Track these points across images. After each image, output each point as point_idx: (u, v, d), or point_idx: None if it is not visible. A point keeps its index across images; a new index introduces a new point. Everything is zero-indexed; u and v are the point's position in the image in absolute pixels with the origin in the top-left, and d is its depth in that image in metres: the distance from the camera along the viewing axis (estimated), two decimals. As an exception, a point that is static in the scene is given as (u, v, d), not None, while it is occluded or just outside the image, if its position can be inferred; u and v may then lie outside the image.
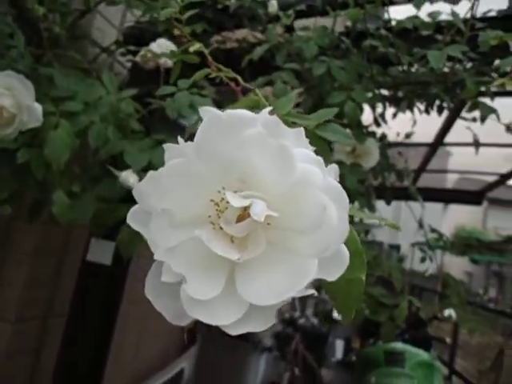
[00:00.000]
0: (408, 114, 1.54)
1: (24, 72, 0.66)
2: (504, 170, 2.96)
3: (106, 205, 0.66)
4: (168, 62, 1.06)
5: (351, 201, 1.17)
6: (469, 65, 1.18)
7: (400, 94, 1.36)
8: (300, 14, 1.27)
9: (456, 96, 1.06)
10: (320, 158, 0.27)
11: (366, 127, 1.22)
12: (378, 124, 1.30)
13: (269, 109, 0.28)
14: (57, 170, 0.57)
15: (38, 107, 0.60)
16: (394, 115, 1.53)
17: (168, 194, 0.26)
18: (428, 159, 2.79)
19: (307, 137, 0.38)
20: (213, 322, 0.24)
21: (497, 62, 1.21)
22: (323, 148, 0.38)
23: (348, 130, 1.03)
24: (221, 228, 0.26)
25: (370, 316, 0.96)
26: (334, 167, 0.28)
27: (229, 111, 0.27)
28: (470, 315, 1.13)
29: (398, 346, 2.54)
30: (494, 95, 1.01)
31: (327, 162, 0.29)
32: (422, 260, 1.69)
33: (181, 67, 0.72)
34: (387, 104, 1.40)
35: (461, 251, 5.08)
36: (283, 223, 0.26)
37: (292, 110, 0.39)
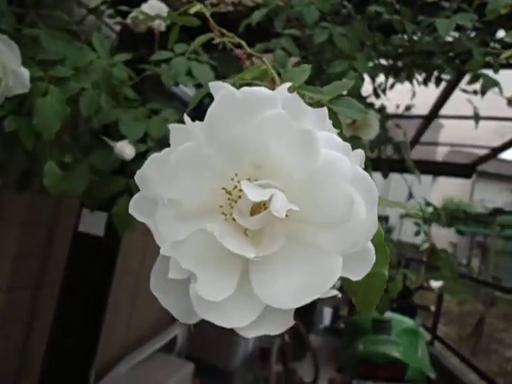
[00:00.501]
0: (405, 85, 1.50)
1: (7, 32, 0.61)
2: (494, 143, 2.97)
3: (100, 177, 0.63)
4: (162, 26, 1.00)
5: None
6: (472, 34, 1.14)
7: (400, 64, 1.33)
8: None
9: (458, 67, 1.03)
10: (347, 144, 0.24)
11: (365, 98, 1.19)
12: (377, 95, 1.27)
13: (288, 85, 0.25)
14: (47, 139, 0.53)
15: (25, 72, 0.55)
16: (392, 86, 1.50)
17: (176, 182, 0.23)
18: (422, 131, 2.78)
19: None
20: (226, 325, 0.22)
21: (500, 32, 1.18)
22: (337, 125, 0.36)
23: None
24: (233, 219, 0.24)
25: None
26: (360, 153, 0.25)
27: (244, 89, 0.23)
28: (460, 287, 1.15)
29: (385, 314, 2.64)
30: (500, 67, 0.98)
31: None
32: (417, 233, 1.70)
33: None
34: (387, 74, 1.37)
35: (448, 223, 5.18)
36: (304, 216, 0.23)
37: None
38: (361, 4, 1.08)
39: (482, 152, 3.27)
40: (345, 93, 1.05)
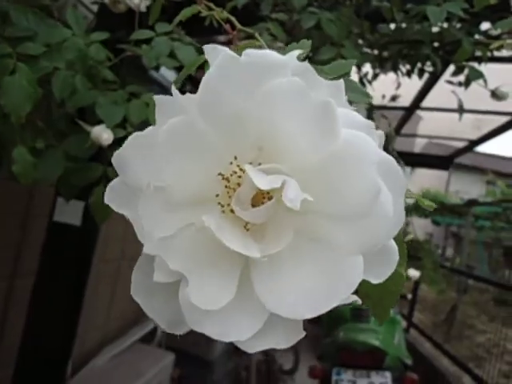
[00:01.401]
0: (388, 76, 1.49)
1: (-29, 5, 0.56)
2: (471, 136, 3.02)
3: (75, 164, 0.59)
4: (142, 5, 0.95)
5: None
6: (458, 25, 1.14)
7: (385, 54, 1.31)
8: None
9: (443, 57, 1.02)
10: (371, 122, 0.20)
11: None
12: (362, 85, 1.26)
13: (298, 52, 0.21)
14: (17, 122, 0.49)
15: (-10, 48, 0.50)
16: (375, 76, 1.49)
17: (163, 166, 0.19)
18: (403, 123, 2.80)
19: None
20: (224, 338, 0.19)
21: (484, 25, 1.18)
22: None
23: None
24: (231, 211, 0.20)
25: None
26: (380, 134, 0.22)
27: (250, 51, 0.19)
28: (439, 276, 1.17)
29: (364, 302, 2.68)
30: (482, 60, 0.98)
31: None
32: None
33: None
34: (372, 64, 1.35)
35: (425, 213, 5.29)
36: (317, 207, 0.19)
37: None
38: (349, -10, 1.05)
39: (459, 144, 3.33)
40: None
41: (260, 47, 0.35)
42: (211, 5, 0.46)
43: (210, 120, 0.20)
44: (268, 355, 2.91)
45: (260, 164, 0.20)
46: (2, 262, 1.40)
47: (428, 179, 7.70)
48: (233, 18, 0.43)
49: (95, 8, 1.42)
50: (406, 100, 2.47)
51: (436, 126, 3.33)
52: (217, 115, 0.20)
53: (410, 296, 3.57)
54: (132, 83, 0.74)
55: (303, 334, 0.20)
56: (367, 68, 1.44)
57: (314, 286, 0.19)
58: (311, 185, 0.19)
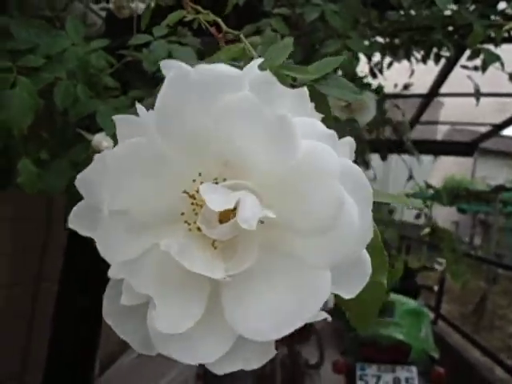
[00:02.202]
0: (403, 64, 1.45)
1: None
2: (495, 120, 2.92)
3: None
4: (139, 8, 0.95)
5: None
6: (472, 7, 1.09)
7: (397, 41, 1.27)
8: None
9: (457, 42, 0.98)
10: (333, 132, 0.20)
11: (362, 78, 1.14)
12: (374, 75, 1.22)
13: (260, 60, 0.21)
14: (19, 135, 0.50)
15: (-9, 64, 0.52)
16: (390, 65, 1.45)
17: (123, 187, 0.19)
18: (422, 111, 2.73)
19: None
20: (190, 361, 0.18)
21: (502, 4, 1.12)
22: (325, 109, 0.32)
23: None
24: (198, 229, 0.19)
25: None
26: (350, 142, 0.21)
27: (201, 67, 0.19)
28: (463, 267, 1.13)
29: (389, 296, 2.63)
30: (501, 41, 0.93)
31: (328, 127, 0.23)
32: (417, 217, 1.68)
33: (157, 13, 0.63)
34: (384, 53, 1.32)
35: (449, 201, 5.15)
36: (283, 221, 0.19)
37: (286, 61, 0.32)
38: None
39: (483, 129, 3.22)
40: (339, 73, 1.01)
41: (245, 50, 0.34)
42: (199, 8, 0.45)
43: (168, 139, 0.19)
44: (293, 350, 2.91)
45: (225, 180, 0.20)
46: (28, 266, 1.44)
47: (453, 166, 7.48)
48: (219, 20, 0.42)
49: (104, 13, 1.44)
50: (423, 87, 2.40)
51: (458, 111, 3.23)
52: (175, 133, 0.19)
53: (436, 287, 3.49)
54: (140, 87, 0.74)
55: (274, 353, 0.19)
56: (379, 57, 1.41)
57: (281, 304, 0.18)
58: (277, 199, 0.19)
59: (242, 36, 0.36)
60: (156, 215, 0.20)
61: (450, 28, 0.94)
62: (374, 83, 1.37)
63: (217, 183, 0.20)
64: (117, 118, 0.20)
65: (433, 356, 2.02)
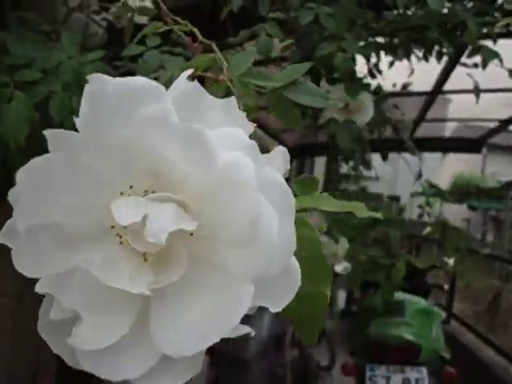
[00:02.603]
0: (405, 62, 1.44)
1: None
2: (504, 115, 2.88)
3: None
4: (143, 19, 0.97)
5: (345, 160, 1.13)
6: (470, 4, 1.08)
7: (396, 41, 1.27)
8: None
9: (456, 40, 0.98)
10: (253, 142, 0.20)
11: (361, 79, 1.14)
12: (372, 75, 1.22)
13: (189, 72, 0.21)
14: (16, 147, 0.51)
15: (-12, 80, 0.53)
16: (391, 64, 1.44)
17: (51, 201, 0.19)
18: (426, 109, 2.70)
19: (272, 101, 0.33)
20: (113, 378, 0.18)
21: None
22: (293, 115, 0.32)
23: (341, 84, 0.96)
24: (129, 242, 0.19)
25: (368, 276, 0.95)
26: (282, 151, 0.21)
27: (118, 81, 0.19)
28: (467, 265, 1.12)
29: (398, 295, 2.60)
30: (497, 37, 0.93)
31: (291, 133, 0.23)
32: (420, 216, 1.67)
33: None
34: (383, 52, 1.31)
35: (459, 199, 5.09)
36: (210, 233, 0.19)
37: (253, 69, 0.33)
38: (349, -20, 1.02)
39: (492, 125, 3.18)
40: (336, 75, 1.00)
41: (217, 59, 0.35)
42: (177, 19, 0.46)
43: (92, 151, 0.19)
44: (304, 352, 2.90)
45: (154, 192, 0.20)
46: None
47: (463, 162, 7.40)
48: (195, 30, 0.43)
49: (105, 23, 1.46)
50: (429, 84, 2.38)
51: (466, 107, 3.19)
52: (99, 146, 0.19)
53: (447, 286, 3.44)
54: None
55: (200, 368, 0.19)
56: (380, 57, 1.40)
57: (204, 318, 0.18)
58: (204, 210, 0.19)
59: (213, 46, 0.37)
60: (88, 228, 0.20)
61: (445, 26, 0.94)
62: (377, 83, 1.37)
63: (147, 195, 0.20)
64: (47, 132, 0.20)
65: (444, 356, 1.99)
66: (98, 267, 0.18)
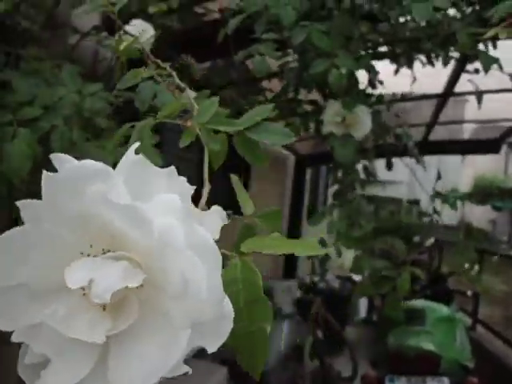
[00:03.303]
0: (416, 66, 1.44)
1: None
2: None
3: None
4: (146, 47, 1.01)
5: (346, 173, 1.13)
6: (468, 10, 1.08)
7: (398, 50, 1.27)
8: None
9: (449, 50, 0.98)
10: (186, 207, 0.23)
11: (361, 91, 1.15)
12: (373, 86, 1.23)
13: (135, 145, 0.25)
14: (18, 183, 0.55)
15: (-7, 120, 0.57)
16: (396, 71, 1.44)
17: (20, 265, 0.23)
18: (438, 111, 2.67)
19: (238, 142, 0.35)
20: None
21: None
22: (257, 154, 0.34)
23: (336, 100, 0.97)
24: None
25: (375, 290, 0.94)
26: (218, 211, 0.25)
27: (67, 167, 0.23)
28: (491, 269, 1.09)
29: (418, 303, 2.54)
30: (494, 42, 0.92)
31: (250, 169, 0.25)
32: (420, 215, 1.64)
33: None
34: (389, 61, 1.32)
35: (481, 200, 4.95)
36: (156, 285, 0.22)
37: (221, 111, 0.35)
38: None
39: (511, 124, 3.11)
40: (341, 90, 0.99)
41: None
42: (159, 62, 0.49)
43: (54, 220, 0.23)
44: (325, 363, 2.86)
45: (109, 250, 0.23)
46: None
47: (484, 162, 7.21)
48: (174, 74, 0.45)
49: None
50: (438, 87, 2.35)
51: (484, 107, 3.13)
52: (59, 216, 0.23)
53: (470, 292, 3.33)
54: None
55: None
56: (382, 64, 1.41)
57: (149, 358, 0.21)
58: (150, 266, 0.22)
59: (188, 91, 0.39)
60: (55, 283, 0.23)
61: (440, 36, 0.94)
62: (379, 92, 1.37)
63: (104, 253, 0.23)
64: (19, 203, 0.23)
65: (467, 365, 1.94)
66: (60, 319, 0.21)
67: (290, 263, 4.16)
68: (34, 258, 0.23)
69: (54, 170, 0.24)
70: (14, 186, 0.57)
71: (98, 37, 1.37)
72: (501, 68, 0.96)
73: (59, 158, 0.24)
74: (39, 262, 0.23)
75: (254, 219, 0.32)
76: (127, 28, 1.04)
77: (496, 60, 0.97)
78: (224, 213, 0.26)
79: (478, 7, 1.05)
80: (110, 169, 0.23)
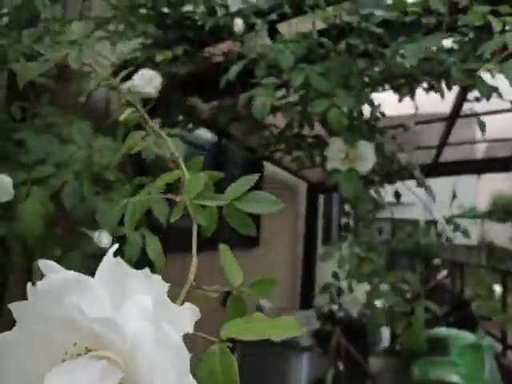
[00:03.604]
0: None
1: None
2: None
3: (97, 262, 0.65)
4: (152, 93, 1.06)
5: (353, 207, 1.14)
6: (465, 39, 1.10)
7: (401, 81, 1.30)
8: (281, 17, 1.23)
9: (445, 81, 1.00)
10: (157, 307, 0.25)
11: (365, 125, 1.17)
12: (375, 119, 1.25)
13: (115, 247, 0.28)
14: (32, 242, 0.57)
15: (8, 181, 0.60)
16: (400, 100, 1.47)
17: (10, 369, 0.25)
18: (448, 133, 2.67)
19: (228, 213, 0.37)
20: None
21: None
22: (244, 223, 0.36)
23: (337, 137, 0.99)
24: None
25: (390, 325, 0.92)
26: (191, 307, 0.27)
27: (44, 282, 0.25)
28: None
29: (441, 331, 2.44)
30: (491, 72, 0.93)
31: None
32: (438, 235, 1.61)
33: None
34: (392, 91, 1.35)
35: (501, 218, 4.84)
36: (133, 380, 0.25)
37: (209, 185, 0.37)
38: (339, 35, 1.08)
39: (523, 141, 3.08)
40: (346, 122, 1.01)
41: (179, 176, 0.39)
42: (152, 125, 0.52)
43: (40, 322, 0.25)
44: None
45: (91, 350, 0.25)
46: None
47: (501, 182, 7.08)
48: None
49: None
50: (447, 104, 2.37)
51: (494, 127, 3.12)
52: (45, 319, 0.25)
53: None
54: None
55: None
56: (384, 95, 1.44)
57: None
58: (128, 365, 0.25)
59: (181, 162, 0.42)
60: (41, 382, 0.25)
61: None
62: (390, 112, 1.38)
63: (86, 352, 0.25)
64: (12, 305, 0.25)
65: (497, 397, 1.84)
66: None
67: (306, 292, 4.09)
68: (20, 363, 0.25)
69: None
70: (28, 244, 0.59)
71: (110, 81, 1.43)
72: (500, 96, 0.97)
73: (46, 266, 0.26)
74: (26, 366, 0.25)
75: (242, 290, 0.33)
76: (135, 77, 1.09)
77: (495, 89, 0.98)
78: (197, 309, 0.28)
79: (473, 36, 1.08)
80: (89, 279, 0.26)
